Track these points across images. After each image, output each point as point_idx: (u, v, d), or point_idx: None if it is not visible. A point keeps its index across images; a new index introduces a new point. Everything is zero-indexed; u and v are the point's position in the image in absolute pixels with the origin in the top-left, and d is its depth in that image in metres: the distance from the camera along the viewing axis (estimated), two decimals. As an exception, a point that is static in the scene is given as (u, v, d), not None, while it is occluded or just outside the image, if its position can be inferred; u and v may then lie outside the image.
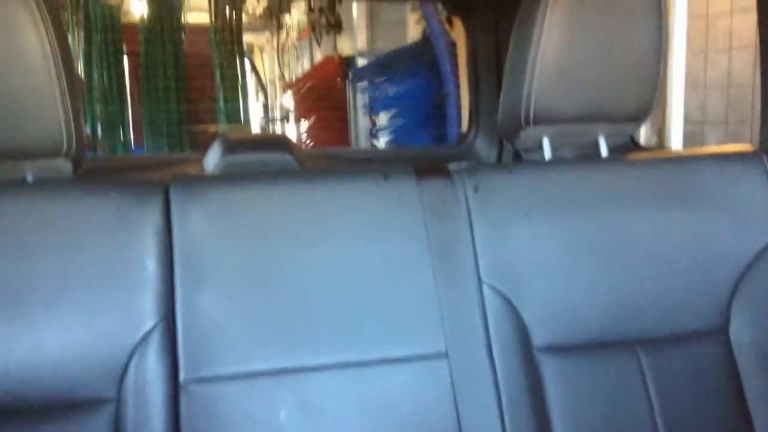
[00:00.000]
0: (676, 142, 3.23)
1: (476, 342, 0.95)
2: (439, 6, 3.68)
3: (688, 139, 3.26)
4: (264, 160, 1.47)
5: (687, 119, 3.29)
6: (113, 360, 0.87)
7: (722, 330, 1.00)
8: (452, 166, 1.05)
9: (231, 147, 1.51)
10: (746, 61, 2.96)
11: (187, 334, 0.90)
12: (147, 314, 0.89)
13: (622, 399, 0.96)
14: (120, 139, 4.28)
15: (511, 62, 1.04)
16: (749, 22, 2.90)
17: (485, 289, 0.97)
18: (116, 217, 0.91)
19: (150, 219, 0.93)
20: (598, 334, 0.98)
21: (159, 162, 1.71)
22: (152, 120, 4.31)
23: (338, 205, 0.98)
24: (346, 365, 0.93)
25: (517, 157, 1.12)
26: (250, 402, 0.90)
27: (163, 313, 0.89)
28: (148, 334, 0.88)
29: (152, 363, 0.88)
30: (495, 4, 1.67)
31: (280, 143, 1.55)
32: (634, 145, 1.46)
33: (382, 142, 3.99)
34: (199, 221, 0.94)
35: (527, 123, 1.03)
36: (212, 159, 1.50)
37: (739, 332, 1.00)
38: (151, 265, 0.90)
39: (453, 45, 3.65)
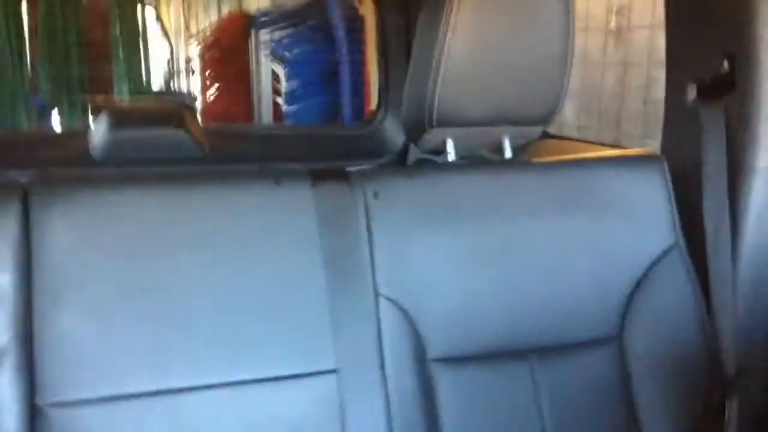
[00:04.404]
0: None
1: (369, 357, 0.81)
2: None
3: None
4: (156, 136, 1.23)
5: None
6: None
7: (616, 338, 0.91)
8: (351, 169, 0.88)
9: (119, 120, 1.25)
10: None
11: (44, 354, 0.73)
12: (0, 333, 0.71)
13: (515, 411, 0.86)
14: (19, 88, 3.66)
15: (415, 62, 0.89)
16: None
17: (381, 301, 0.83)
18: None
19: (4, 227, 0.74)
20: (494, 344, 0.87)
21: (41, 139, 1.41)
22: (50, 72, 3.74)
23: (224, 212, 0.81)
24: (226, 386, 0.77)
25: (421, 158, 0.96)
26: (117, 427, 0.74)
27: (17, 331, 0.72)
28: (1, 354, 0.71)
29: (4, 386, 0.71)
30: None
31: (175, 117, 1.30)
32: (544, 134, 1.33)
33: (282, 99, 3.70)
34: (62, 229, 0.76)
35: (431, 125, 0.88)
36: (98, 134, 1.24)
37: (633, 340, 0.91)
38: (4, 278, 0.73)
39: (350, 10, 3.38)
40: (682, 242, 0.92)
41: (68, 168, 1.05)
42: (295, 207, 0.83)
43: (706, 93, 0.93)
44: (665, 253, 0.92)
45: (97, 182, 0.80)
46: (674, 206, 0.93)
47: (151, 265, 0.78)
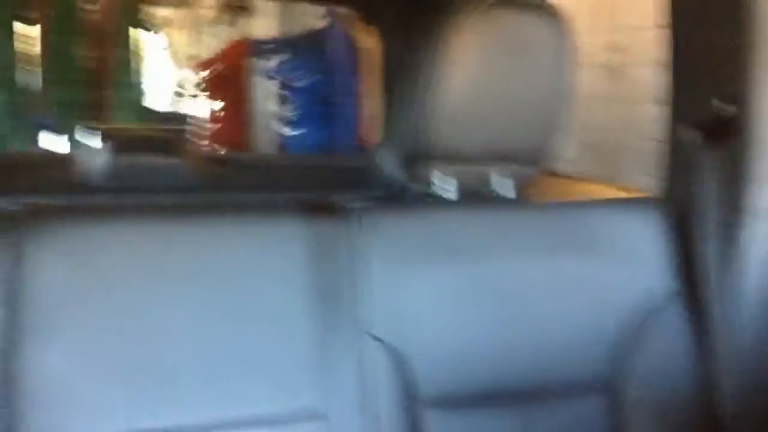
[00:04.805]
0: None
1: (357, 398, 0.77)
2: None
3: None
4: (152, 163, 1.21)
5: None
6: None
7: (610, 385, 0.86)
8: (345, 202, 0.85)
9: (115, 146, 1.22)
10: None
11: (29, 391, 0.69)
12: None
13: None
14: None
15: (411, 95, 0.87)
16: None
17: (371, 341, 0.79)
18: None
19: None
20: (488, 386, 0.83)
21: (32, 163, 1.38)
22: (53, 96, 3.70)
23: (212, 245, 0.78)
24: (212, 426, 0.73)
25: (417, 194, 0.93)
26: None
27: (1, 367, 0.68)
28: None
29: None
30: (410, 12, 1.44)
31: (171, 145, 1.28)
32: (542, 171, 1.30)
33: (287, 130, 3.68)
34: (52, 262, 0.72)
35: (426, 159, 0.86)
36: (92, 159, 1.22)
37: (629, 387, 0.86)
38: None
39: (350, 42, 3.38)
40: (682, 288, 0.88)
41: (60, 193, 1.02)
42: (284, 241, 0.79)
43: (708, 135, 0.90)
44: (664, 299, 0.88)
45: (87, 214, 0.77)
46: (674, 251, 0.89)
47: (139, 301, 0.74)
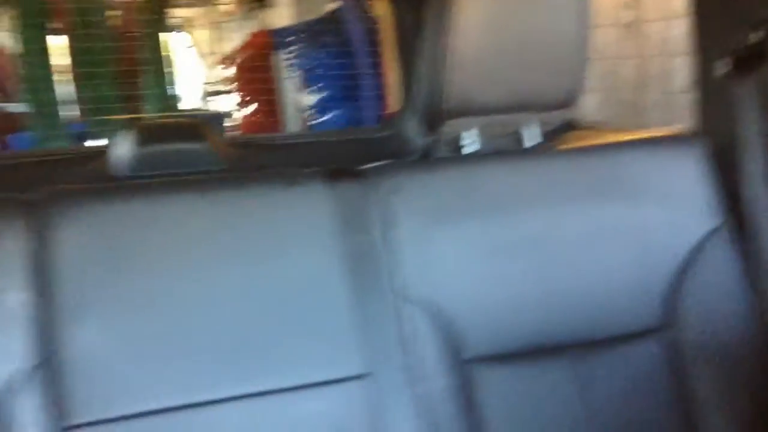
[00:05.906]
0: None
1: (398, 360, 0.75)
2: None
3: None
4: (178, 151, 1.19)
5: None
6: None
7: (663, 329, 0.82)
8: (368, 166, 0.82)
9: (141, 137, 1.21)
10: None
11: (68, 375, 0.68)
12: (15, 356, 0.66)
13: (559, 407, 0.78)
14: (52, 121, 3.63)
15: (426, 52, 0.83)
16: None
17: (408, 301, 0.76)
18: None
19: (13, 243, 0.70)
20: (533, 340, 0.80)
21: (60, 157, 1.38)
22: (91, 100, 3.73)
23: (239, 216, 0.76)
24: (254, 396, 0.72)
25: (442, 151, 0.89)
26: None
27: (39, 353, 0.67)
28: (22, 378, 0.66)
29: (30, 411, 0.66)
30: None
31: (196, 131, 1.26)
32: (570, 125, 1.24)
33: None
34: (77, 243, 0.71)
35: (448, 116, 0.82)
36: (119, 151, 1.21)
37: (683, 330, 0.81)
38: (17, 297, 0.68)
39: (366, 18, 3.31)
40: (725, 224, 0.83)
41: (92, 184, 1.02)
42: (310, 208, 0.77)
43: (739, 65, 0.84)
44: (708, 236, 0.83)
45: (110, 194, 0.76)
46: (714, 187, 0.84)
47: (167, 273, 0.73)
